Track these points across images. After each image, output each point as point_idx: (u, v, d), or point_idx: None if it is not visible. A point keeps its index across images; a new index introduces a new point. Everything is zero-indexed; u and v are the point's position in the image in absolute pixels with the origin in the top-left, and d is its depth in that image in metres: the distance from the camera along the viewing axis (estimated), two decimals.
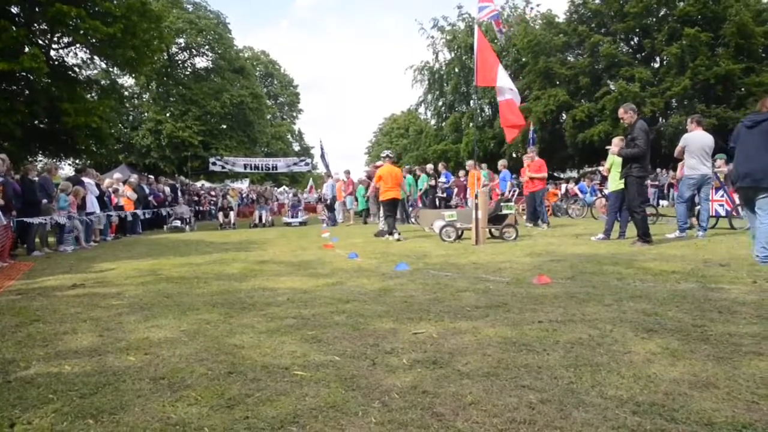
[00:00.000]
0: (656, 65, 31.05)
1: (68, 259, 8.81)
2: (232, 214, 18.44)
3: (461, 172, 18.05)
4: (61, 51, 20.26)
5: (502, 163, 16.13)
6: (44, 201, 10.30)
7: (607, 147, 9.21)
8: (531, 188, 12.52)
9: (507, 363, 2.80)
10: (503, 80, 9.38)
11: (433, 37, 40.41)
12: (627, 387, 2.43)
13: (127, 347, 3.31)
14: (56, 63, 19.36)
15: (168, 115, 36.12)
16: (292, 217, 19.27)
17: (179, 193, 20.88)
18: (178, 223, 16.95)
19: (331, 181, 19.34)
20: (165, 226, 16.90)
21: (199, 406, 2.35)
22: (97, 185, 13.06)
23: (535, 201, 12.50)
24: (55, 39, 19.24)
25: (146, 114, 37.10)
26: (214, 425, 2.14)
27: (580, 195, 18.08)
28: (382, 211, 12.49)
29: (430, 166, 18.41)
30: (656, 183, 24.00)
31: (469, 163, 16.10)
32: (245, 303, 4.60)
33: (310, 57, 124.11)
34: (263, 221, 18.98)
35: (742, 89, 26.92)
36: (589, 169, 25.38)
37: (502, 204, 10.37)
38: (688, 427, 2.02)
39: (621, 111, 8.32)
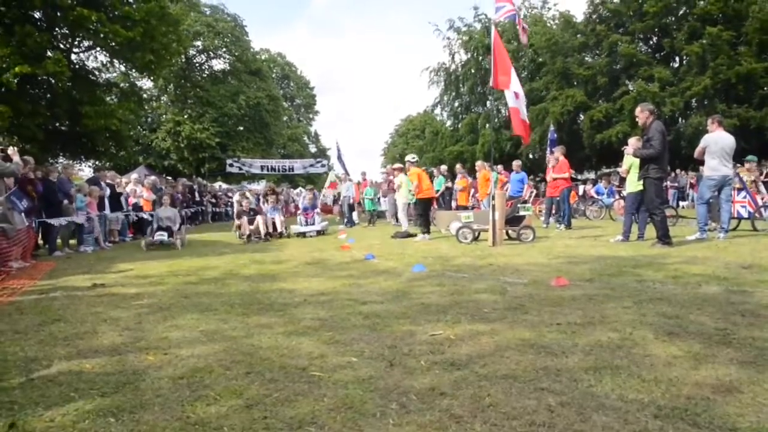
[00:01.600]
0: (676, 65, 30.63)
1: (88, 260, 8.93)
2: (259, 220, 12.50)
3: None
4: (81, 55, 20.57)
5: (516, 163, 15.54)
6: (64, 202, 10.46)
7: (624, 148, 9.12)
8: (555, 190, 12.41)
9: (525, 365, 2.78)
10: (516, 85, 9.34)
11: (449, 38, 40.33)
12: (648, 391, 2.40)
13: (146, 347, 3.34)
14: (77, 67, 19.64)
15: (186, 117, 36.47)
16: (307, 223, 13.78)
17: (195, 194, 21.04)
18: (163, 236, 11.03)
19: (349, 182, 19.37)
20: (143, 242, 11.24)
21: (218, 405, 2.36)
22: (111, 186, 13.23)
23: (562, 201, 12.38)
24: (76, 43, 19.54)
25: (165, 116, 37.51)
26: (233, 425, 2.15)
27: (597, 197, 17.89)
28: (400, 213, 12.52)
29: (444, 167, 18.36)
30: (675, 184, 23.69)
31: (479, 163, 15.96)
32: (263, 304, 4.62)
33: (326, 58, 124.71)
34: (278, 230, 13.18)
35: (765, 88, 26.44)
36: (607, 171, 25.12)
37: (519, 206, 10.31)
38: (711, 431, 1.99)
39: (637, 110, 8.24)
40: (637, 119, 8.33)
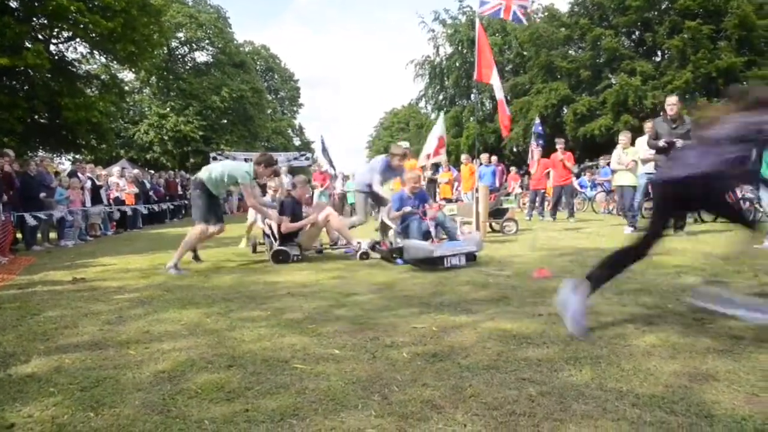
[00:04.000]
0: (657, 59, 30.94)
1: (69, 254, 8.81)
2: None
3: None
4: (60, 46, 20.26)
5: (484, 156, 14.83)
6: (42, 195, 10.28)
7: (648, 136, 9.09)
8: (539, 182, 12.49)
9: (507, 356, 2.80)
10: (496, 80, 9.36)
11: (434, 30, 40.30)
12: (627, 380, 2.43)
13: (127, 341, 3.31)
14: (56, 58, 19.33)
15: (169, 109, 36.08)
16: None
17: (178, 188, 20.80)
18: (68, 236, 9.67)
19: (340, 178, 19.27)
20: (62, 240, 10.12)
21: (199, 398, 2.35)
22: (92, 179, 13.06)
23: (566, 194, 12.45)
24: (55, 33, 19.22)
25: (147, 109, 37.07)
26: (214, 418, 2.15)
27: (580, 189, 18.06)
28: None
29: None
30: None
31: (464, 156, 15.99)
32: (246, 297, 4.61)
33: (310, 51, 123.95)
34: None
35: (745, 83, 26.81)
36: (590, 163, 25.36)
37: (502, 198, 10.37)
38: (688, 419, 2.03)
39: (675, 100, 8.11)
40: (667, 110, 8.10)
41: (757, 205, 10.70)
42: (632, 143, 9.73)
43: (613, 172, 9.95)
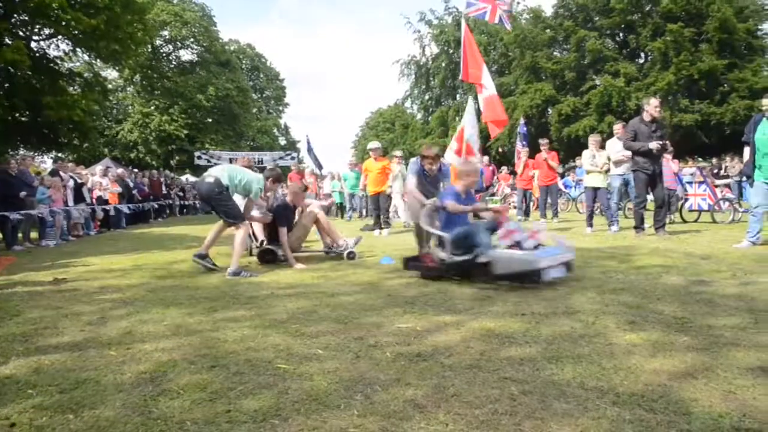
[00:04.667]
0: (641, 61, 31.31)
1: (50, 254, 8.70)
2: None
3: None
4: (42, 43, 19.96)
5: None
6: (23, 194, 10.13)
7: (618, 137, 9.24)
8: (548, 181, 12.54)
9: (490, 355, 2.82)
10: (487, 78, 9.35)
11: (419, 31, 40.41)
12: (608, 378, 2.46)
13: (109, 342, 3.28)
14: (37, 55, 19.05)
15: (153, 108, 35.78)
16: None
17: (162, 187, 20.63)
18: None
19: (328, 178, 19.22)
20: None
21: (181, 399, 2.33)
22: (74, 178, 12.91)
23: (551, 194, 12.53)
24: (36, 30, 18.94)
25: (131, 107, 36.72)
26: (196, 419, 2.13)
27: (564, 189, 18.19)
28: (397, 204, 12.38)
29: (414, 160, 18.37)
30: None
31: None
32: (229, 297, 4.58)
33: (296, 51, 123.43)
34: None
35: (725, 85, 27.22)
36: (573, 164, 25.61)
37: (487, 198, 10.42)
38: (666, 417, 2.05)
39: (658, 102, 8.21)
40: (651, 112, 8.04)
41: (735, 206, 10.88)
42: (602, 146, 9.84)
43: (587, 173, 10.04)
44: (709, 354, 2.75)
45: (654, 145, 7.78)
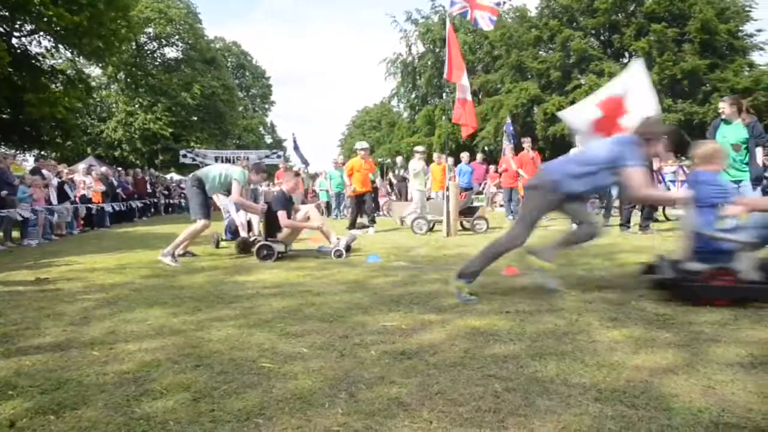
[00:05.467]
0: (625, 60, 31.53)
1: (33, 253, 8.58)
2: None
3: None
4: (23, 39, 19.68)
5: (465, 155, 15.51)
6: (4, 192, 9.98)
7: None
8: (515, 180, 12.61)
9: (474, 353, 2.84)
10: (466, 81, 9.40)
11: (405, 30, 40.39)
12: (590, 375, 2.48)
13: (91, 342, 3.25)
14: (18, 51, 18.78)
15: (137, 106, 35.44)
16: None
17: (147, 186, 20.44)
18: None
19: (321, 177, 19.16)
20: None
21: (164, 399, 2.32)
22: (58, 175, 12.76)
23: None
24: (17, 26, 18.67)
25: (115, 105, 36.34)
26: (179, 418, 2.12)
27: None
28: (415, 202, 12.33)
29: (399, 159, 18.39)
30: None
31: (435, 155, 16.07)
32: (214, 296, 4.55)
33: (282, 48, 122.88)
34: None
35: (707, 85, 27.55)
36: None
37: (472, 196, 10.46)
38: (648, 412, 2.08)
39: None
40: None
41: None
42: None
43: None
44: (689, 350, 2.79)
45: None
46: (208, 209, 7.02)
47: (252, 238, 7.64)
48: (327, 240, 7.14)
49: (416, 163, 11.74)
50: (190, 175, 7.02)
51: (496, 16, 10.10)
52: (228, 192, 7.07)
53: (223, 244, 8.28)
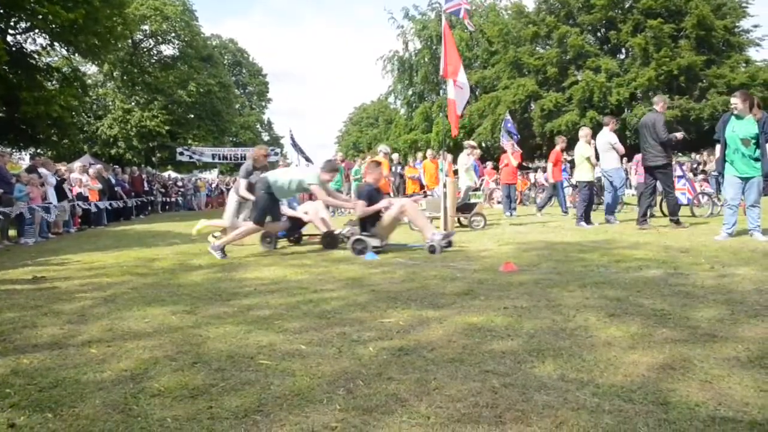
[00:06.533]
0: (622, 56, 31.59)
1: (29, 252, 8.58)
2: None
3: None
4: (18, 36, 19.58)
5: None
6: (0, 191, 9.96)
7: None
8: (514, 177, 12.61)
9: (472, 349, 2.84)
10: (462, 77, 9.34)
11: (402, 26, 40.35)
12: (588, 370, 2.49)
13: (89, 340, 3.24)
14: (13, 49, 18.68)
15: (134, 104, 35.34)
16: None
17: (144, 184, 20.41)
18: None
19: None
20: None
21: (162, 397, 2.32)
22: (56, 174, 12.72)
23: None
24: (12, 24, 18.58)
25: (111, 103, 36.23)
26: (177, 416, 2.12)
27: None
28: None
29: (396, 156, 18.37)
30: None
31: (429, 152, 16.07)
32: (211, 294, 4.55)
33: (279, 46, 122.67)
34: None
35: (704, 81, 27.60)
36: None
37: (470, 193, 10.46)
38: (644, 407, 2.08)
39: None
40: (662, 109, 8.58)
41: (714, 199, 11.06)
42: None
43: (572, 167, 10.21)
44: (686, 345, 2.79)
45: (679, 134, 8.50)
46: (267, 215, 7.01)
47: (336, 232, 7.67)
48: (423, 234, 6.98)
49: (466, 158, 11.46)
50: (260, 177, 7.19)
51: (466, 19, 10.11)
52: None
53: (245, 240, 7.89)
